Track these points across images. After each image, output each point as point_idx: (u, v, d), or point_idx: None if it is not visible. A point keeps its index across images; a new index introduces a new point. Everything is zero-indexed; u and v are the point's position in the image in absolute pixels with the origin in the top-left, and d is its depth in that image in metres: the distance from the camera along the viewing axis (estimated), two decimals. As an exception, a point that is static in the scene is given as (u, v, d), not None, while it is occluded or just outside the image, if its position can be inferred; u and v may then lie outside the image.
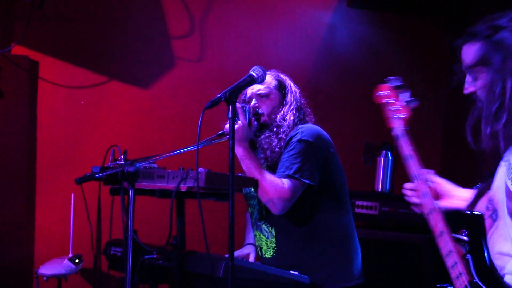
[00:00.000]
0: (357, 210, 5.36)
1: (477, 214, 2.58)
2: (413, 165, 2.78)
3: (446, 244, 2.55)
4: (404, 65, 6.68)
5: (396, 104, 2.94)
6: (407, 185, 2.86)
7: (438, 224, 2.61)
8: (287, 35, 6.29)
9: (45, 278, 4.88)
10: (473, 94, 2.61)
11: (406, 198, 2.88)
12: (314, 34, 6.41)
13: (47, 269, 4.90)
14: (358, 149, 6.30)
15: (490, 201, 2.58)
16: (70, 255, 5.06)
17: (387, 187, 5.54)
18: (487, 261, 2.49)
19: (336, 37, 6.49)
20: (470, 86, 2.62)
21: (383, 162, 5.59)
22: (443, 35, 6.79)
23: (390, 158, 5.54)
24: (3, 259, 5.26)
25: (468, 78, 2.62)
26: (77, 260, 5.01)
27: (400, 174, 5.66)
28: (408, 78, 6.91)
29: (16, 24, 5.44)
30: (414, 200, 2.83)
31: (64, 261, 4.97)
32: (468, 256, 2.51)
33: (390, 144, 5.61)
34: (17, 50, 5.40)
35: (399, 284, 5.18)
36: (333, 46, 6.48)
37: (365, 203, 5.35)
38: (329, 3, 6.42)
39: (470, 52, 2.58)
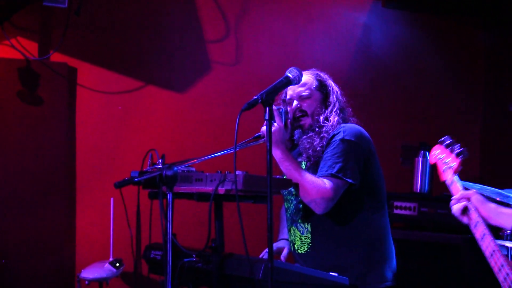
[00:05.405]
0: (396, 211, 5.33)
1: None
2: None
3: (497, 260, 2.64)
4: (440, 66, 6.63)
5: (448, 157, 3.21)
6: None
7: (489, 246, 2.71)
8: (322, 37, 6.28)
9: (86, 282, 4.92)
10: None
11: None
12: (349, 35, 6.40)
13: (89, 273, 4.95)
14: (395, 150, 6.27)
15: None
16: (111, 259, 5.10)
17: (426, 187, 5.50)
18: None
19: (371, 38, 6.46)
20: None
21: (421, 163, 5.55)
22: (481, 36, 6.71)
23: (428, 158, 5.50)
24: (45, 264, 5.33)
25: None
26: (117, 264, 5.05)
27: (438, 175, 5.63)
28: (444, 79, 6.86)
29: (54, 32, 5.51)
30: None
31: (105, 265, 5.01)
32: None
33: (428, 144, 5.57)
34: (55, 57, 5.48)
35: (438, 285, 5.13)
36: (369, 47, 6.46)
37: (403, 204, 5.31)
38: (364, 4, 6.39)
39: None
